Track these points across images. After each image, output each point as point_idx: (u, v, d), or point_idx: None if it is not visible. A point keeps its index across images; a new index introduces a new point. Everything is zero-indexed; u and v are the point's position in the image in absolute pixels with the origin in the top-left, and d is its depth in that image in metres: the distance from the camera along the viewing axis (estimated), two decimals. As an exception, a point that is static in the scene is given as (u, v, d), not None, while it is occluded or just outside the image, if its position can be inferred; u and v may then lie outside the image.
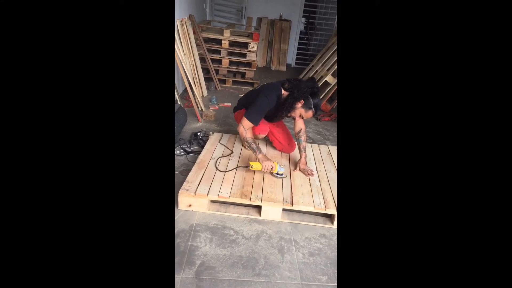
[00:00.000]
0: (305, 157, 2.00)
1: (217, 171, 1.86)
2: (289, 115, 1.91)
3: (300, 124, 2.03)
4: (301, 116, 1.91)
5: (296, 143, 2.13)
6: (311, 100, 1.83)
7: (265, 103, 1.86)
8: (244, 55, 4.15)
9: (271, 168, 1.81)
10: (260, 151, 1.84)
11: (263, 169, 1.80)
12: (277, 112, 1.94)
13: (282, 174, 1.85)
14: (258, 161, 1.82)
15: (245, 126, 1.87)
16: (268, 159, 1.82)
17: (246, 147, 2.19)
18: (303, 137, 2.01)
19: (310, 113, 1.87)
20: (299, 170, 1.96)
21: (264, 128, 2.06)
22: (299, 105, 1.84)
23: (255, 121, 1.87)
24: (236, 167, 1.92)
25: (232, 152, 2.12)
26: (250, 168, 1.82)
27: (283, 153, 2.20)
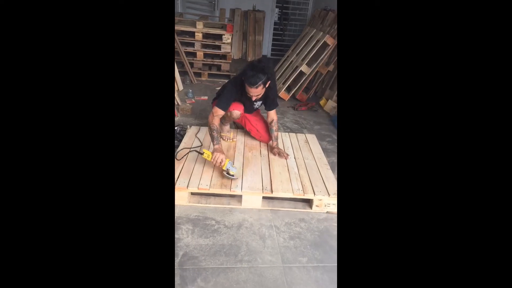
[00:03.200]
0: (277, 145, 2.09)
1: (195, 164, 1.87)
2: (249, 95, 1.93)
3: (272, 115, 2.14)
4: (250, 93, 1.89)
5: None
6: (244, 77, 1.85)
7: (231, 90, 1.98)
8: (218, 47, 4.12)
9: (220, 162, 1.72)
10: (218, 142, 1.83)
11: (212, 160, 1.73)
12: (241, 98, 2.03)
13: (233, 175, 1.73)
14: (214, 149, 1.80)
15: (214, 113, 1.94)
16: (222, 153, 1.77)
17: (224, 138, 2.21)
18: (274, 127, 2.12)
19: (247, 87, 1.84)
20: (275, 154, 2.05)
21: (237, 106, 2.08)
22: (245, 83, 1.86)
23: (222, 107, 1.96)
24: (189, 150, 1.96)
25: (201, 145, 2.12)
26: (202, 155, 1.80)
27: (261, 142, 2.23)
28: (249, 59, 5.74)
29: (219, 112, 1.94)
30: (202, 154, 1.80)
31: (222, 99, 1.97)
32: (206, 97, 3.43)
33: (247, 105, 2.10)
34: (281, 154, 2.04)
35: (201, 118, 2.89)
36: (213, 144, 1.84)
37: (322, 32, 3.64)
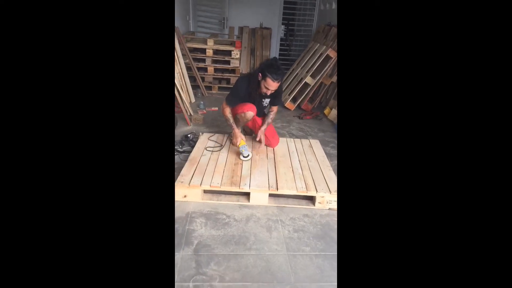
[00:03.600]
0: (265, 129, 2.32)
1: (207, 165, 2.04)
2: (259, 92, 2.15)
3: (274, 108, 2.38)
4: (266, 88, 2.07)
5: (277, 137, 2.43)
6: (266, 71, 2.03)
7: (236, 87, 2.24)
8: (228, 62, 4.37)
9: (238, 143, 2.18)
10: (236, 127, 2.26)
11: (233, 139, 2.25)
12: (250, 93, 2.21)
13: (246, 157, 2.12)
14: (234, 133, 2.25)
15: (223, 106, 2.30)
16: (241, 135, 2.23)
17: (234, 143, 2.40)
18: (271, 115, 2.37)
19: (268, 80, 2.02)
20: (257, 133, 2.30)
21: (251, 107, 2.25)
22: (259, 78, 2.09)
23: (229, 102, 2.27)
24: (221, 146, 2.32)
25: (222, 146, 2.33)
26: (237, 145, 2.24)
27: (268, 147, 2.40)
28: (257, 73, 5.99)
29: (226, 107, 2.24)
30: (219, 149, 2.25)
31: (228, 96, 2.25)
32: (216, 108, 3.64)
33: (257, 105, 2.28)
34: (260, 138, 2.25)
35: (213, 127, 3.08)
36: (231, 128, 2.27)
37: (325, 46, 3.84)
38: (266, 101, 2.32)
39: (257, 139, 2.28)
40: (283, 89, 4.05)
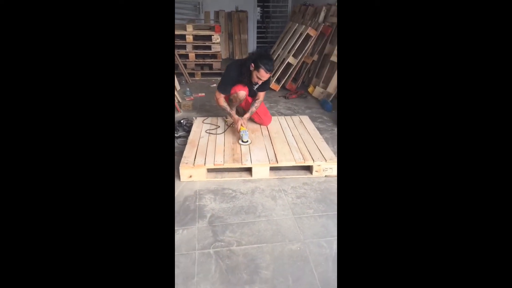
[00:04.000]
0: (248, 116, 2.38)
1: (207, 146, 2.13)
2: (252, 81, 2.22)
3: (260, 95, 2.41)
4: (258, 78, 2.15)
5: (270, 115, 2.55)
6: (260, 62, 2.10)
7: (227, 76, 2.28)
8: (209, 47, 4.38)
9: (238, 127, 2.23)
10: (234, 113, 2.35)
11: (235, 124, 2.30)
12: (241, 82, 2.28)
13: (245, 142, 2.17)
14: (233, 119, 2.32)
15: (216, 96, 2.34)
16: (240, 119, 2.27)
17: (228, 123, 2.49)
18: (256, 104, 2.40)
19: (261, 72, 2.09)
20: (237, 122, 2.29)
21: (243, 88, 2.32)
22: (251, 68, 2.15)
23: (223, 91, 2.31)
24: (223, 131, 2.38)
25: (218, 126, 2.45)
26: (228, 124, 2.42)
27: (261, 125, 2.51)
28: (236, 57, 6.01)
29: (220, 95, 2.29)
30: (220, 133, 2.32)
31: (220, 85, 2.30)
32: (203, 94, 3.68)
33: (248, 88, 2.37)
34: (238, 124, 2.24)
35: (202, 112, 3.14)
36: (231, 116, 2.34)
37: (304, 26, 3.94)
38: (256, 86, 2.40)
39: (237, 127, 2.26)
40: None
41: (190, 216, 1.62)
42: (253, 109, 2.38)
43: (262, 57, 2.11)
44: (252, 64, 2.14)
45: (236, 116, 2.31)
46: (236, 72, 2.24)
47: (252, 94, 2.45)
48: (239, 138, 2.20)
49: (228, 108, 2.33)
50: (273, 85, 3.88)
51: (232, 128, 2.42)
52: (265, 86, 2.36)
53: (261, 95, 2.40)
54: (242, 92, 2.32)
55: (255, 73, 2.15)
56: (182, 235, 1.49)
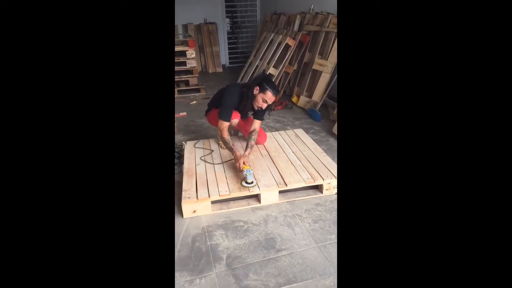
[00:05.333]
0: (249, 153, 2.08)
1: (207, 175, 1.95)
2: (255, 105, 2.08)
3: (255, 125, 2.19)
4: (264, 101, 2.04)
5: (265, 133, 2.39)
6: (265, 84, 2.02)
7: (229, 101, 2.10)
8: (183, 63, 4.18)
9: (240, 166, 1.89)
10: (237, 150, 2.06)
11: (236, 164, 1.95)
12: (244, 107, 2.13)
13: (250, 183, 1.84)
14: (235, 157, 2.00)
15: (220, 126, 2.07)
16: (242, 157, 1.96)
17: (222, 146, 2.32)
18: (253, 136, 2.15)
19: (268, 93, 2.01)
20: (239, 163, 1.94)
21: (235, 115, 2.18)
22: (256, 91, 2.04)
23: (226, 118, 2.09)
24: (221, 162, 2.12)
25: (212, 151, 2.26)
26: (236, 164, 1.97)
27: (258, 145, 2.37)
28: (210, 70, 5.85)
29: (225, 125, 2.07)
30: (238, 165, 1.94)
31: (222, 112, 2.08)
32: (184, 113, 3.48)
33: (242, 113, 2.22)
34: (240, 165, 1.92)
35: (189, 133, 2.94)
36: (232, 152, 2.06)
37: (281, 35, 3.88)
38: (251, 113, 2.26)
39: (239, 166, 1.92)
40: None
41: (204, 260, 1.44)
42: (252, 143, 2.14)
43: (266, 80, 2.05)
44: (257, 87, 2.03)
45: (238, 153, 2.01)
46: (237, 97, 2.11)
47: (244, 117, 2.30)
48: (242, 179, 1.87)
49: (231, 143, 2.07)
50: (256, 97, 3.77)
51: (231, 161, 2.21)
52: (260, 114, 2.21)
53: (257, 124, 2.19)
54: (235, 120, 2.20)
55: (260, 96, 2.03)
56: (201, 285, 1.31)
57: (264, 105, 2.06)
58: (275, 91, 2.04)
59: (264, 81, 2.04)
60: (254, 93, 2.05)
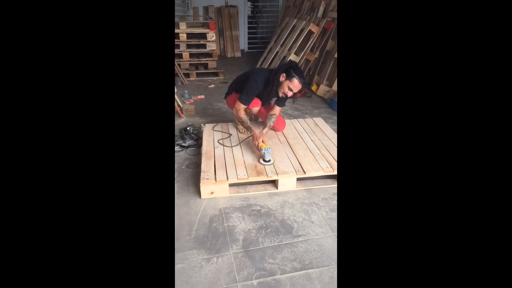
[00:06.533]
0: (267, 132, 2.16)
1: (225, 158, 1.96)
2: (279, 92, 2.05)
3: (275, 110, 2.22)
4: (290, 89, 2.02)
5: (283, 121, 2.38)
6: (292, 71, 1.99)
7: (254, 85, 2.08)
8: (203, 46, 4.16)
9: (259, 145, 1.95)
10: (255, 129, 2.10)
11: (256, 144, 1.99)
12: (268, 93, 2.10)
13: (268, 161, 1.90)
14: (254, 135, 2.03)
15: (237, 107, 2.11)
16: (260, 136, 2.03)
17: (241, 130, 2.32)
18: (273, 118, 2.22)
19: (295, 81, 1.98)
20: (257, 140, 2.01)
21: (256, 102, 2.19)
22: (282, 78, 2.01)
23: (246, 103, 2.11)
24: (239, 143, 2.15)
25: (231, 134, 2.27)
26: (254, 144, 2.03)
27: (277, 132, 2.36)
28: (228, 54, 5.80)
29: (242, 106, 2.09)
30: (230, 146, 2.00)
31: (243, 95, 2.09)
32: (202, 96, 3.48)
33: (263, 100, 2.21)
34: (259, 141, 1.99)
35: (206, 116, 2.95)
36: (251, 132, 2.09)
37: (304, 21, 3.79)
38: (273, 100, 2.24)
39: (258, 144, 1.98)
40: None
41: (221, 240, 1.46)
42: (270, 123, 2.20)
43: (294, 68, 2.01)
44: (284, 74, 2.00)
45: (257, 132, 2.06)
46: (262, 83, 2.08)
47: (265, 104, 2.29)
48: (260, 156, 1.94)
49: (248, 122, 2.12)
50: (274, 84, 3.73)
51: (248, 139, 2.23)
52: (283, 101, 2.20)
53: (277, 110, 2.23)
54: (255, 108, 2.20)
55: (286, 83, 2.00)
56: (218, 264, 1.33)
57: (290, 93, 2.03)
58: (302, 79, 2.00)
59: (291, 68, 2.00)
60: (280, 80, 2.02)
